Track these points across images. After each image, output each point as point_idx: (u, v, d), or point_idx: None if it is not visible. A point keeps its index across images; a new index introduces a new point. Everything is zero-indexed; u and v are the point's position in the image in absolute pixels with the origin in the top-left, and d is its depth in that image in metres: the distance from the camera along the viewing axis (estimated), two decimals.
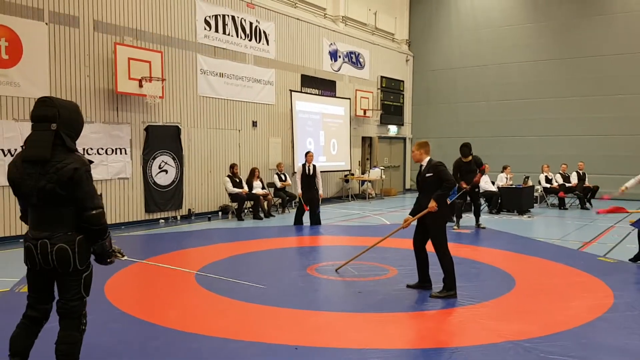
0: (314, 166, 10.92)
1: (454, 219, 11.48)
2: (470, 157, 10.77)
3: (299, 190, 10.92)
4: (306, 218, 11.01)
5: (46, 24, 9.64)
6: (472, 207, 11.33)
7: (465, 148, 10.76)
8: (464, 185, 10.68)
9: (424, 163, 5.98)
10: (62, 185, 3.05)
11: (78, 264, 3.15)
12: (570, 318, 4.97)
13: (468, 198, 11.26)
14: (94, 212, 3.14)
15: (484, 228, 10.96)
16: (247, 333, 4.59)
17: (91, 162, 3.25)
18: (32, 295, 3.28)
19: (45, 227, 3.12)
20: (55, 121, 3.09)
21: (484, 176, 14.21)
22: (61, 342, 3.19)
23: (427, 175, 5.88)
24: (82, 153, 3.26)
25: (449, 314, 5.21)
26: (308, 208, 10.81)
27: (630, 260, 7.73)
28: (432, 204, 5.71)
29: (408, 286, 6.10)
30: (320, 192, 10.99)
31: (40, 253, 3.10)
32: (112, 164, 10.82)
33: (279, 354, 4.13)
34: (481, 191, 14.23)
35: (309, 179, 10.84)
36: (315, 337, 4.54)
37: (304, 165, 10.92)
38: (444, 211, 5.88)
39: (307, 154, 11.15)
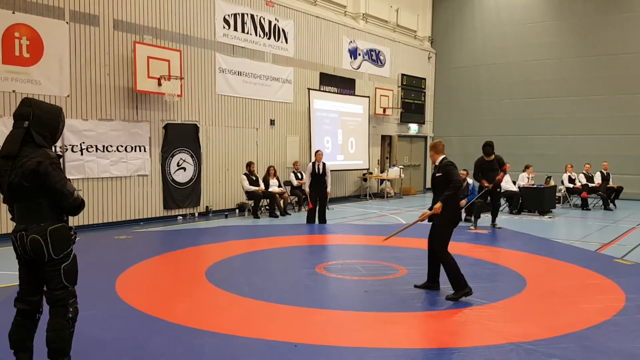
0: (324, 164, 11.03)
1: (472, 218, 11.38)
2: (493, 156, 10.75)
3: (307, 189, 11.15)
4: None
5: (67, 22, 9.85)
6: (492, 207, 11.21)
7: (488, 147, 10.75)
8: (486, 184, 10.62)
9: (437, 163, 5.98)
10: (26, 177, 3.19)
11: (52, 254, 3.28)
12: (577, 320, 4.88)
13: (489, 198, 11.11)
14: (69, 200, 3.29)
15: (499, 228, 10.87)
16: (250, 330, 4.63)
17: (60, 156, 3.42)
18: (21, 287, 3.44)
19: (21, 220, 3.31)
20: (28, 119, 3.27)
21: (504, 176, 14.02)
22: (49, 330, 3.35)
23: (437, 175, 5.87)
24: (53, 149, 3.44)
25: (455, 314, 5.16)
26: (312, 206, 10.95)
27: None
28: (437, 205, 5.67)
29: (415, 286, 6.06)
30: (328, 189, 11.10)
31: (19, 245, 3.30)
32: (131, 161, 11.00)
33: (278, 351, 4.15)
34: (502, 191, 14.07)
35: (318, 177, 10.97)
36: (317, 335, 4.55)
37: (313, 164, 11.06)
38: (451, 213, 5.77)
39: (316, 152, 11.29)
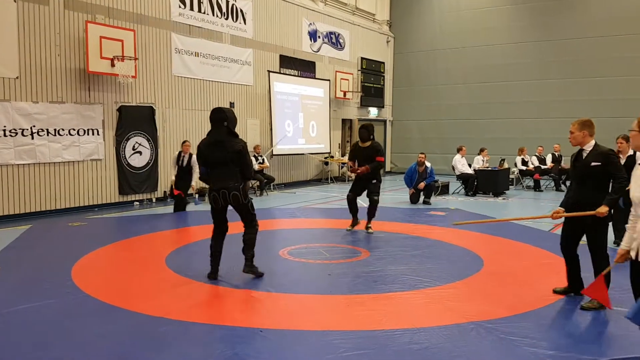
0: (190, 155, 10.16)
1: (430, 201, 11.47)
2: (369, 143, 8.49)
3: (173, 178, 10.40)
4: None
5: (15, 1, 9.37)
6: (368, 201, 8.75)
7: (364, 130, 8.52)
8: (357, 171, 8.52)
9: (587, 147, 5.02)
10: (235, 154, 5.44)
11: (243, 200, 5.56)
12: (534, 299, 5.04)
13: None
14: (250, 172, 5.66)
15: (370, 233, 8.47)
16: (214, 316, 4.59)
17: (245, 143, 5.64)
18: (215, 222, 5.75)
19: (220, 180, 5.49)
20: (226, 120, 5.48)
21: (460, 159, 14.30)
22: (246, 234, 5.75)
23: (594, 164, 4.85)
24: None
25: (415, 295, 5.24)
26: (178, 192, 10.27)
27: None
28: (603, 210, 4.63)
29: (555, 292, 5.23)
30: (192, 183, 10.31)
31: (221, 197, 5.51)
32: (84, 145, 10.65)
33: (243, 337, 4.12)
34: (458, 173, 14.37)
35: (183, 169, 10.25)
36: (281, 319, 4.54)
37: (179, 154, 10.28)
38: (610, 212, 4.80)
39: (183, 142, 10.37)
